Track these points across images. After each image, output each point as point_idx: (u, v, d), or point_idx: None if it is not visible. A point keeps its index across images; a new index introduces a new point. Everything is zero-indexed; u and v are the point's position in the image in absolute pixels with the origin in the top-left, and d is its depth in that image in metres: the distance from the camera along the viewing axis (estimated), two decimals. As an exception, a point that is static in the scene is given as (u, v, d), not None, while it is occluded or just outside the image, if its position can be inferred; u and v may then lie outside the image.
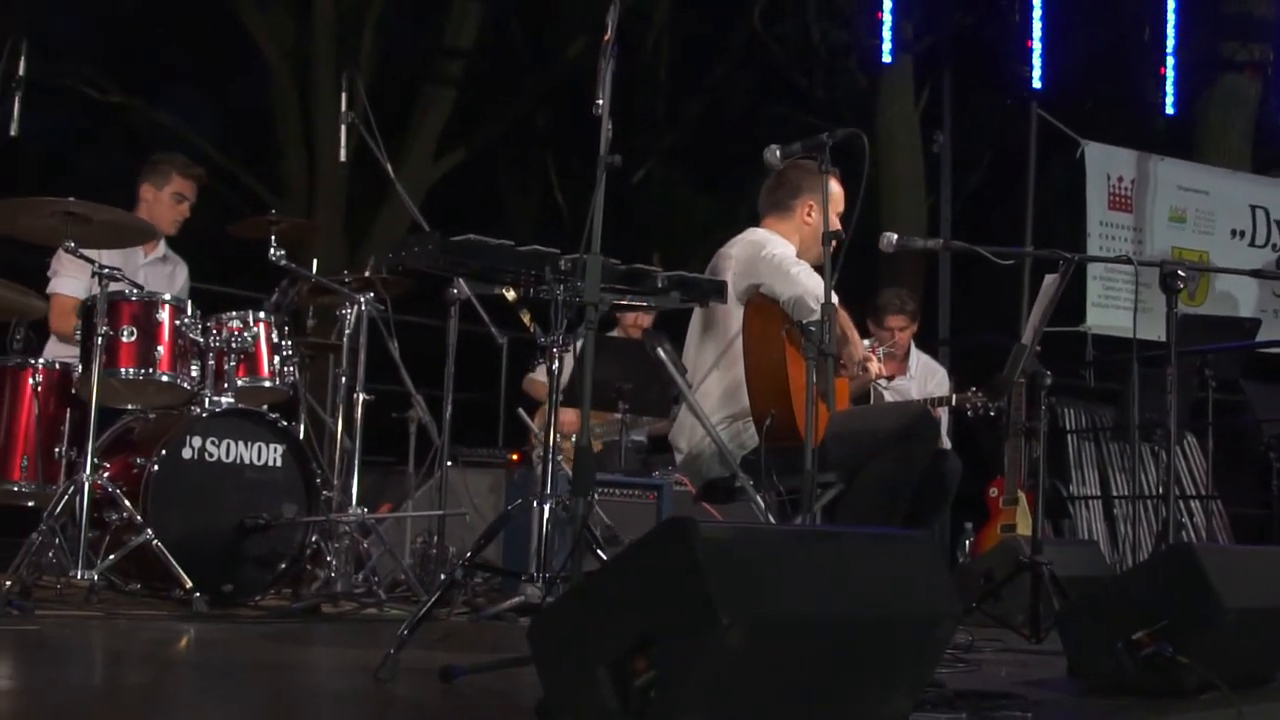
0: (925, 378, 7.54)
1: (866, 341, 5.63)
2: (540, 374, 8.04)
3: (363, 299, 5.57)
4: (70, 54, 15.48)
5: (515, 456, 7.59)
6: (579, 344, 7.03)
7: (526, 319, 3.78)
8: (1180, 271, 4.87)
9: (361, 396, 5.55)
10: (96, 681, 3.41)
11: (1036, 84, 9.93)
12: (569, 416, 7.81)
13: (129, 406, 5.52)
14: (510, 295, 3.77)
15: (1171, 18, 10.43)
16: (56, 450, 5.33)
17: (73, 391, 5.30)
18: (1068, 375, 9.39)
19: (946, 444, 7.28)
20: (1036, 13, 10.00)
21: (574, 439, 7.76)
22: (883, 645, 2.80)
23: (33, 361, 5.44)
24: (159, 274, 6.40)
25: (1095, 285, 9.72)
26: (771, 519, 4.50)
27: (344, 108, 5.69)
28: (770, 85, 17.47)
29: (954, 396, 6.95)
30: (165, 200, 6.31)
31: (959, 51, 12.48)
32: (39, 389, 5.37)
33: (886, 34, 9.68)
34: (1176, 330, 8.83)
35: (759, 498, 4.51)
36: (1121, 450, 8.91)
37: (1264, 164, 11.74)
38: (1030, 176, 9.62)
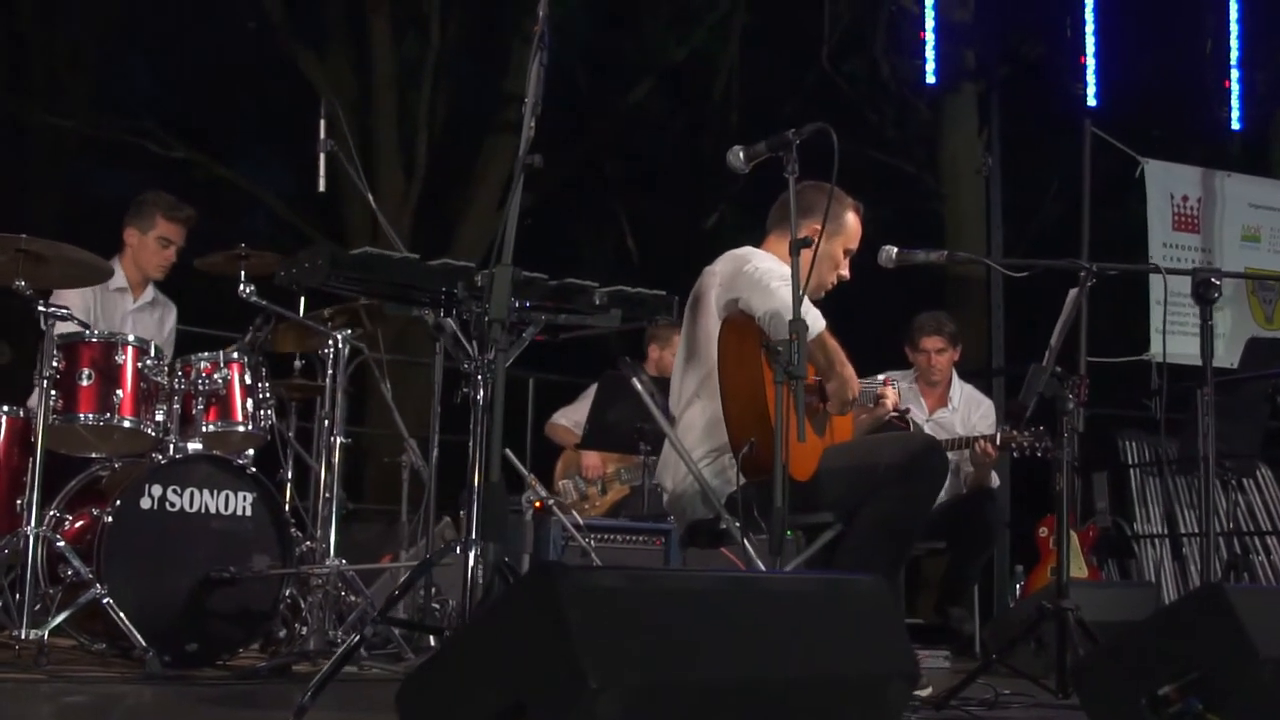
0: (969, 410, 7.04)
1: (881, 376, 5.20)
2: (562, 418, 7.66)
3: (340, 335, 5.19)
4: (133, 110, 15.52)
5: (537, 505, 7.21)
6: (594, 386, 6.66)
7: (447, 345, 3.39)
8: (1214, 280, 4.37)
9: (339, 440, 5.17)
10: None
11: (1091, 101, 9.43)
12: (592, 459, 7.42)
13: (93, 455, 5.19)
14: (429, 318, 3.39)
15: (1235, 28, 9.89)
16: (18, 502, 4.99)
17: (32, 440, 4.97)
18: (1131, 407, 8.88)
19: (995, 482, 6.82)
20: (1090, 28, 9.51)
21: (599, 485, 7.45)
22: (815, 713, 2.37)
23: (-7, 409, 5.14)
24: (147, 320, 6.11)
25: (1159, 310, 9.16)
26: (760, 564, 4.06)
27: (322, 135, 5.33)
28: (842, 124, 17.07)
29: (998, 435, 6.48)
30: (150, 245, 6.01)
31: (1021, 74, 12.05)
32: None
33: (930, 53, 9.24)
34: (1245, 352, 8.36)
35: (746, 541, 4.08)
36: (1189, 485, 8.35)
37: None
38: (1085, 197, 9.07)
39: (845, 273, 4.62)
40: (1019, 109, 12.71)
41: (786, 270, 4.23)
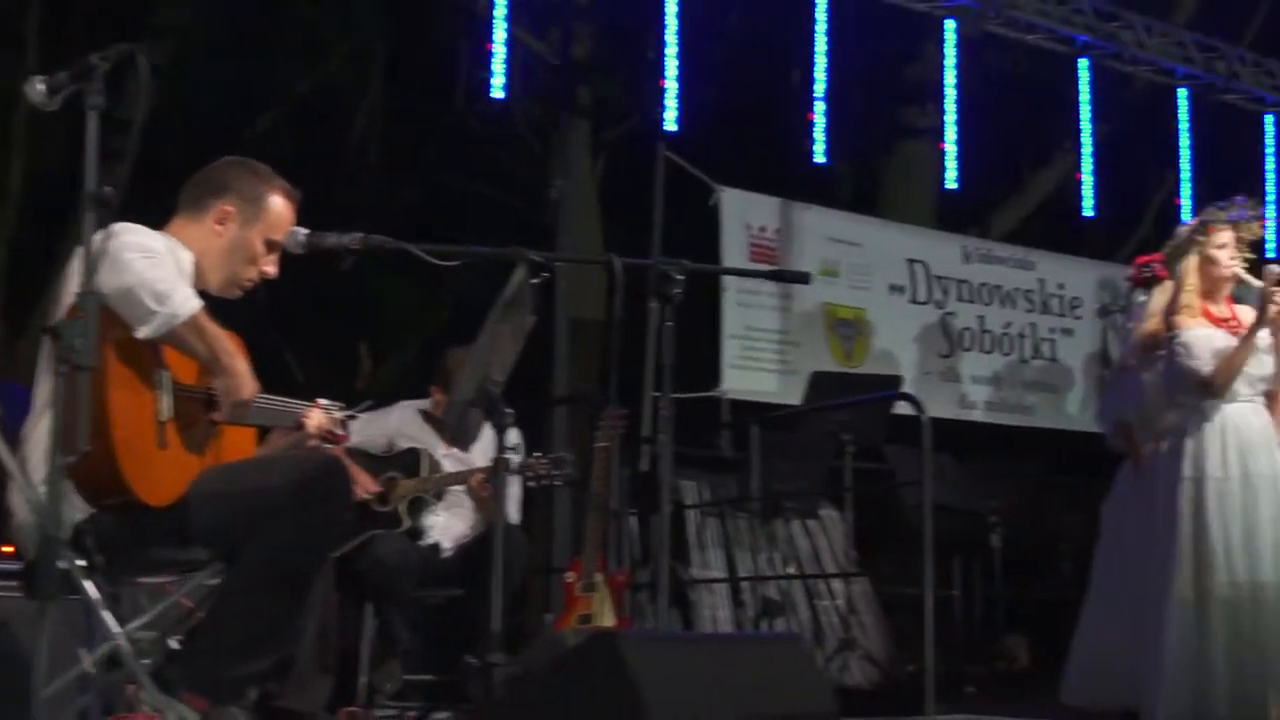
0: (491, 441, 6.38)
1: (329, 402, 4.39)
2: None
3: None
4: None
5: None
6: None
7: None
8: (676, 274, 3.73)
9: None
10: None
11: (671, 126, 8.97)
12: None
13: None
14: None
15: (822, 60, 9.61)
16: None
17: None
18: (697, 444, 8.43)
19: (515, 517, 6.20)
20: (671, 50, 9.08)
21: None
22: None
23: None
24: None
25: (732, 346, 8.79)
26: (110, 622, 3.26)
27: None
28: (481, 166, 16.55)
29: (516, 463, 5.87)
30: None
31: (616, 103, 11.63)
32: None
33: (498, 66, 8.64)
34: (808, 388, 8.00)
35: (91, 585, 3.27)
36: (750, 525, 7.91)
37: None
38: (658, 224, 8.67)
39: (270, 269, 3.86)
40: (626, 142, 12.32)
41: (158, 244, 3.48)
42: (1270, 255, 9.69)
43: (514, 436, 6.17)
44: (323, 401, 4.08)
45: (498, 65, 8.68)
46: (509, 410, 3.69)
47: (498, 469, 3.79)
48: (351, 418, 4.28)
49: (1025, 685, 8.47)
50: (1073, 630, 6.46)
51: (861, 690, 7.47)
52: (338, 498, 3.51)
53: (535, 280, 3.68)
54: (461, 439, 4.68)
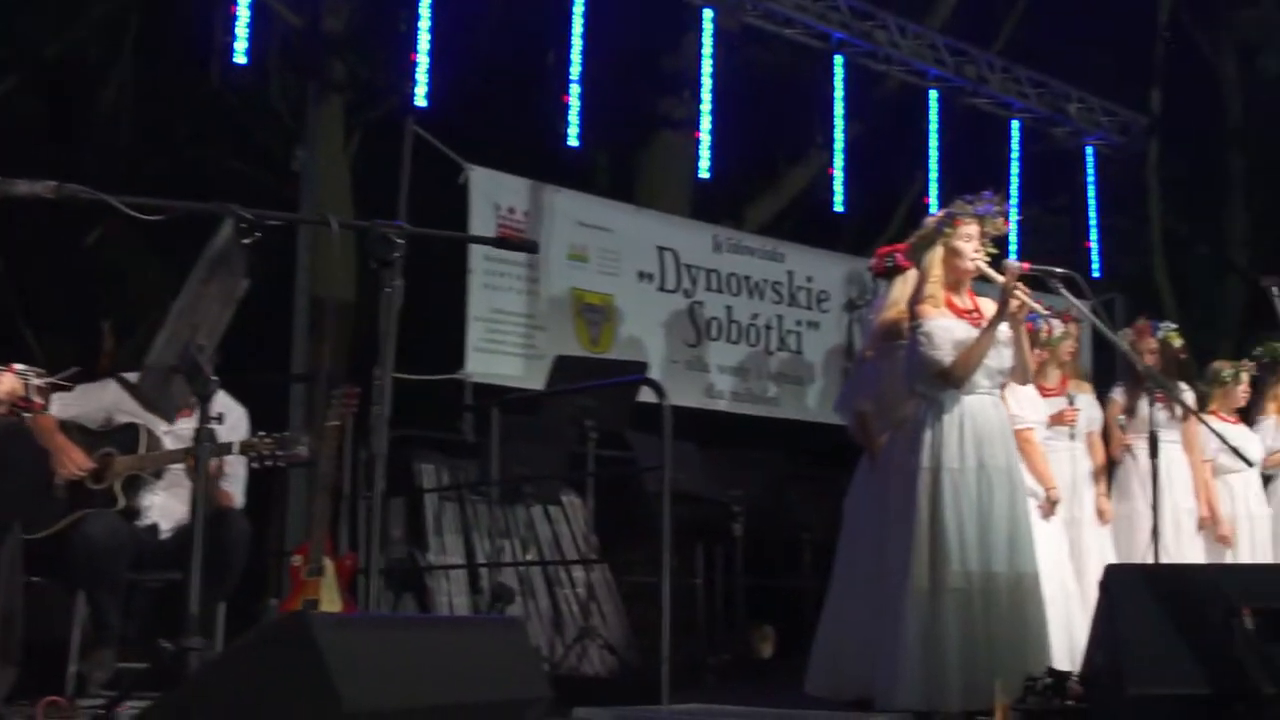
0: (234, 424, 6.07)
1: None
2: None
3: None
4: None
5: None
6: None
7: None
8: (396, 238, 3.53)
9: None
10: None
11: (421, 102, 8.73)
12: None
13: None
14: None
15: (578, 43, 9.49)
16: None
17: None
18: (439, 427, 8.25)
19: (240, 500, 5.90)
20: (424, 24, 8.83)
21: None
22: None
23: None
24: None
25: (477, 328, 8.59)
26: None
27: None
28: (236, 142, 15.94)
29: (237, 443, 5.57)
30: None
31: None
32: None
33: (242, 30, 8.26)
34: (552, 371, 7.86)
35: None
36: (489, 511, 7.73)
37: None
38: (402, 203, 8.43)
39: None
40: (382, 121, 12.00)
41: None
42: (1012, 253, 9.87)
43: (223, 402, 5.81)
44: (18, 366, 3.78)
45: (241, 30, 8.31)
46: (214, 378, 3.45)
47: (200, 439, 3.52)
48: (61, 387, 3.99)
49: (769, 675, 8.48)
50: (817, 621, 6.46)
51: (600, 678, 7.36)
52: (17, 466, 3.22)
53: (246, 241, 3.44)
54: (162, 407, 4.37)
